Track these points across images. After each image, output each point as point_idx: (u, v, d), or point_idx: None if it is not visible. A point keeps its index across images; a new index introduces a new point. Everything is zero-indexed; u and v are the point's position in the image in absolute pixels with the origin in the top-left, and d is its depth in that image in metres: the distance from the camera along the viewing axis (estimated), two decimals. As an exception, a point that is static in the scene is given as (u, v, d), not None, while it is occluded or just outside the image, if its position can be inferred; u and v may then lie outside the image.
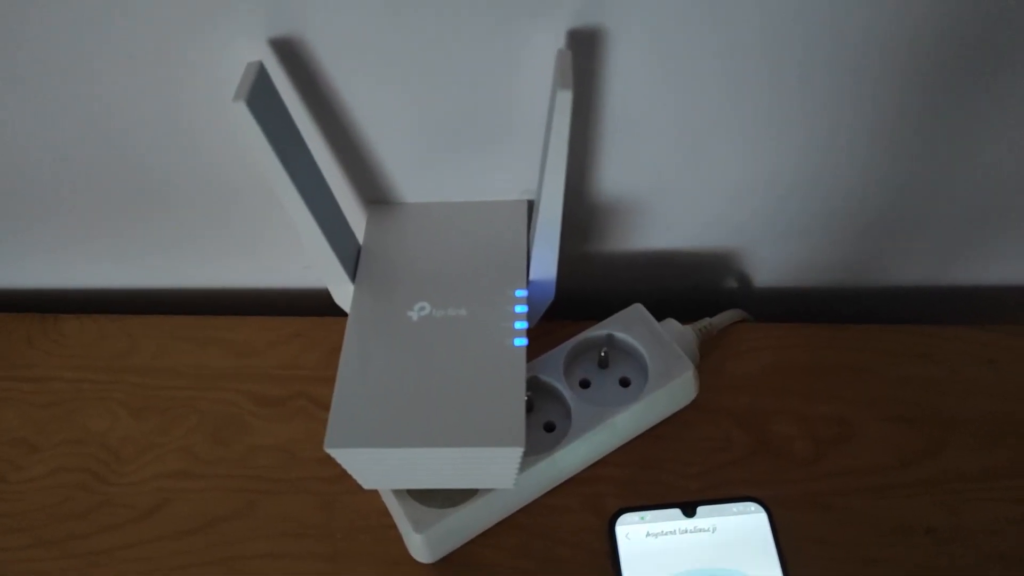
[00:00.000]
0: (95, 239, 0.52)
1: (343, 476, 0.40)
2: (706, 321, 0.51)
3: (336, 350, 0.41)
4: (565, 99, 0.34)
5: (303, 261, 0.54)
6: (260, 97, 0.35)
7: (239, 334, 0.53)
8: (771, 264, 0.54)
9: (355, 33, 0.38)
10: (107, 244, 0.53)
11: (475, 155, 0.45)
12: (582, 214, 0.49)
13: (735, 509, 0.41)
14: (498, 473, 0.39)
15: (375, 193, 0.48)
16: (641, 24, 0.38)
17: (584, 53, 0.39)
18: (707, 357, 0.50)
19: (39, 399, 0.51)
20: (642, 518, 0.41)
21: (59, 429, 0.50)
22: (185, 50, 0.39)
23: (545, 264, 0.43)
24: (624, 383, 0.47)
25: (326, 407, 0.39)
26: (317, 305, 0.51)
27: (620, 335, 0.48)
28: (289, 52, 0.39)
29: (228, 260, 0.54)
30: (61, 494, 0.47)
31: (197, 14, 0.37)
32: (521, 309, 0.42)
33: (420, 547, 0.42)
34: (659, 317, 0.49)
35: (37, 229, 0.52)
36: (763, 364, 0.51)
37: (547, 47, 0.38)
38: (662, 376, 0.46)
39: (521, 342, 0.40)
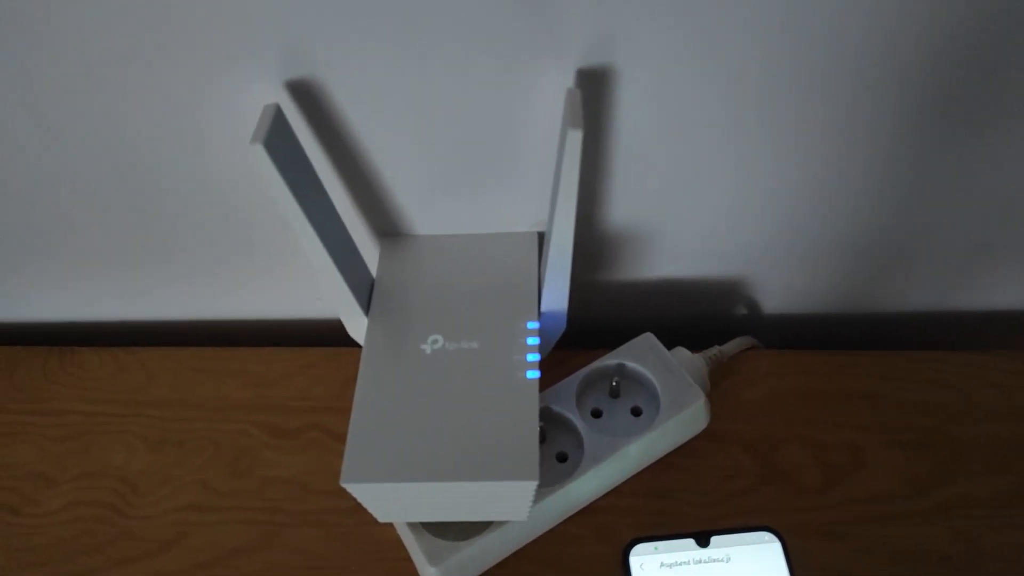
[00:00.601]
0: (112, 272, 0.53)
1: (358, 508, 0.40)
2: (716, 349, 0.51)
3: (349, 381, 0.41)
4: (576, 138, 0.35)
5: (316, 293, 0.54)
6: (277, 138, 0.36)
7: (254, 365, 0.54)
8: (780, 290, 0.55)
9: (368, 75, 0.39)
10: (124, 277, 0.54)
11: (486, 189, 0.46)
12: (591, 244, 0.50)
13: (749, 539, 0.41)
14: (512, 506, 0.40)
15: (388, 226, 0.48)
16: (647, 62, 0.38)
17: (592, 90, 0.40)
18: (718, 385, 0.50)
19: (56, 432, 0.52)
20: (656, 548, 0.41)
21: (76, 462, 0.50)
22: (204, 92, 0.40)
23: (557, 295, 0.43)
24: (636, 412, 0.47)
25: (340, 438, 0.39)
26: (331, 336, 0.51)
27: (631, 365, 0.48)
28: (305, 94, 0.40)
29: (243, 292, 0.55)
30: (78, 528, 0.47)
31: (217, 59, 0.38)
32: (533, 341, 0.42)
33: (435, 579, 0.42)
34: (669, 345, 0.49)
35: (54, 262, 0.52)
36: (773, 391, 0.51)
37: (557, 84, 0.39)
38: (673, 405, 0.46)
39: (534, 375, 0.40)
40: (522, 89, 0.40)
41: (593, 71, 0.39)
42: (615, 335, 0.49)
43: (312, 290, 0.54)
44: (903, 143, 0.43)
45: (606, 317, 0.54)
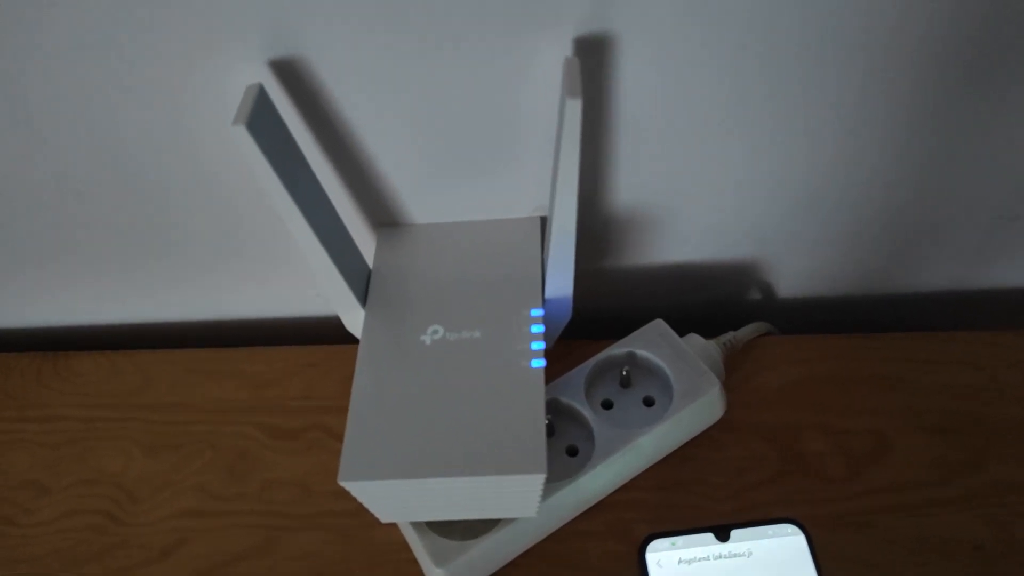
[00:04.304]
0: (106, 275, 0.52)
1: (361, 510, 0.39)
2: (730, 335, 0.50)
3: (350, 379, 0.40)
4: (575, 108, 0.33)
5: (313, 289, 0.53)
6: (261, 120, 0.35)
7: (252, 366, 0.53)
8: (794, 273, 0.53)
9: (356, 52, 0.37)
10: (118, 279, 0.52)
11: (485, 172, 0.44)
12: (597, 228, 0.48)
13: (771, 531, 0.39)
14: (520, 502, 0.38)
15: (384, 215, 0.47)
16: (647, 28, 0.37)
17: (592, 61, 0.38)
18: (733, 373, 0.49)
19: (50, 439, 0.50)
20: (673, 544, 0.40)
21: (71, 470, 0.49)
22: (187, 78, 0.38)
23: (561, 282, 0.42)
24: (648, 403, 0.45)
25: (341, 438, 0.38)
26: (331, 334, 0.50)
27: (642, 353, 0.46)
28: (291, 74, 0.38)
29: (239, 292, 0.53)
30: (74, 537, 0.46)
31: (197, 39, 0.37)
32: (538, 329, 0.40)
33: (442, 581, 0.40)
34: (681, 332, 0.47)
35: (46, 266, 0.51)
36: (791, 378, 0.49)
37: (554, 57, 0.38)
38: (687, 394, 0.44)
39: (539, 364, 0.39)
40: (518, 62, 0.38)
41: (591, 39, 0.37)
42: (624, 324, 0.48)
43: (309, 287, 0.53)
44: (921, 113, 0.42)
45: (614, 305, 0.53)
